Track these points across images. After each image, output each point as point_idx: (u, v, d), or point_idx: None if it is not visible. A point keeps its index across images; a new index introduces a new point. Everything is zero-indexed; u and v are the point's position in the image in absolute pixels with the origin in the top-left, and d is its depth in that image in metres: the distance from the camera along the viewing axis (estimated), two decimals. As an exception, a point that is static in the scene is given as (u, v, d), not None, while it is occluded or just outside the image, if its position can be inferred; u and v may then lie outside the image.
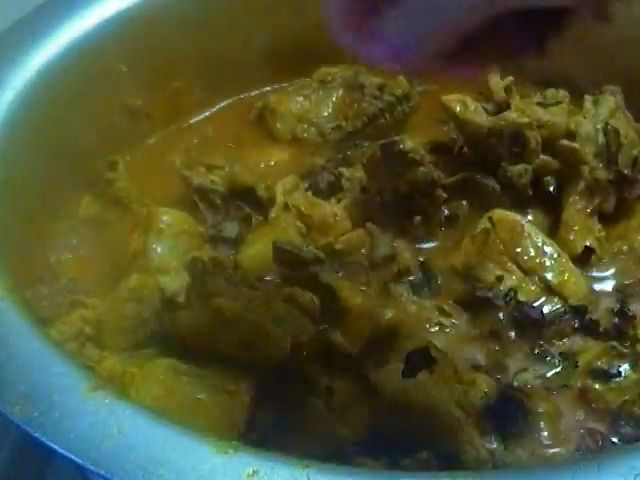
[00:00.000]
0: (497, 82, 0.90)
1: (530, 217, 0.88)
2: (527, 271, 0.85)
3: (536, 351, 0.81)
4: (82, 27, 0.98)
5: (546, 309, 0.83)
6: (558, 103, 0.91)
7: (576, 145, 0.89)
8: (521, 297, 0.83)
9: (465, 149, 0.92)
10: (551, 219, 0.90)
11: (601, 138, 0.90)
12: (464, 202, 0.91)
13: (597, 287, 0.87)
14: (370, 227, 0.87)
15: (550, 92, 0.93)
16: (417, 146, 0.88)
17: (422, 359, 0.73)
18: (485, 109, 0.89)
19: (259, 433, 0.74)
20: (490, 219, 0.87)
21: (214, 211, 0.94)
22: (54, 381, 0.64)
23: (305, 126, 1.06)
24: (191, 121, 1.11)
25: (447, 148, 0.92)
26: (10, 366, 0.66)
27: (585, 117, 0.91)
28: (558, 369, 0.80)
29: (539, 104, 0.91)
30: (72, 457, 0.60)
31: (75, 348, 0.79)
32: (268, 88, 1.14)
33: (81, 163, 0.98)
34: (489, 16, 0.55)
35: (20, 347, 0.67)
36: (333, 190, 0.92)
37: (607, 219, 0.91)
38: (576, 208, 0.89)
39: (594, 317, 0.83)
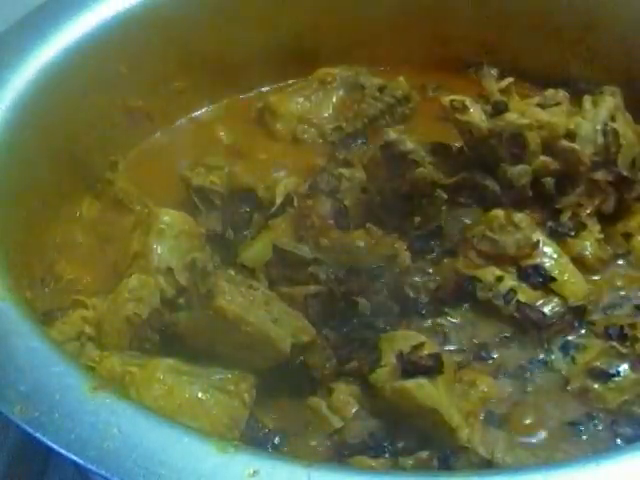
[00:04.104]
0: (492, 83, 0.91)
1: (529, 218, 0.88)
2: (527, 271, 0.85)
3: (537, 349, 0.81)
4: (82, 27, 0.98)
5: (546, 309, 0.83)
6: (557, 104, 0.91)
7: (575, 146, 0.89)
8: (521, 297, 0.83)
9: (465, 150, 0.92)
10: (550, 220, 0.90)
11: (600, 139, 0.90)
12: (463, 202, 0.91)
13: (597, 287, 0.87)
14: (370, 227, 0.87)
15: (550, 93, 0.93)
16: (417, 147, 0.88)
17: (431, 364, 0.73)
18: (485, 111, 0.89)
19: (259, 433, 0.75)
20: (489, 220, 0.87)
21: (214, 211, 0.94)
22: (54, 381, 0.64)
23: (305, 127, 1.07)
24: (191, 121, 1.11)
25: (447, 149, 0.92)
26: (10, 366, 0.66)
27: (584, 118, 0.91)
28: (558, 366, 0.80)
29: (539, 105, 0.91)
30: (72, 457, 0.60)
31: (75, 348, 0.79)
32: (268, 88, 1.14)
33: (82, 163, 0.98)
34: None
35: (20, 347, 0.67)
36: (333, 191, 0.92)
37: (606, 220, 0.91)
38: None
39: (594, 317, 0.83)
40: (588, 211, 0.90)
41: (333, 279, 0.82)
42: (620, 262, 0.90)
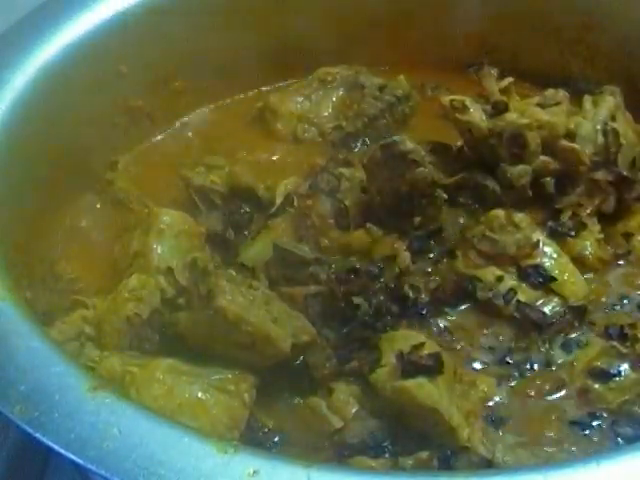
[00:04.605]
0: (492, 83, 0.91)
1: (529, 218, 0.88)
2: (527, 271, 0.85)
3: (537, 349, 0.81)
4: (82, 27, 0.98)
5: (546, 309, 0.83)
6: (557, 103, 0.91)
7: (575, 145, 0.89)
8: (521, 297, 0.83)
9: (465, 150, 0.92)
10: (551, 219, 0.90)
11: (600, 138, 0.90)
12: (463, 202, 0.91)
13: (597, 287, 0.87)
14: (370, 227, 0.87)
15: (550, 92, 0.93)
16: (417, 147, 0.88)
17: (431, 364, 0.73)
18: (485, 111, 0.89)
19: (259, 433, 0.75)
20: (489, 220, 0.87)
21: (214, 211, 0.94)
22: (54, 381, 0.64)
23: (305, 126, 1.06)
24: (191, 121, 1.11)
25: (447, 149, 0.92)
26: (10, 366, 0.66)
27: (584, 117, 0.91)
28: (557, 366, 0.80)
29: (538, 105, 0.91)
30: (72, 457, 0.60)
31: (75, 348, 0.79)
32: (268, 88, 1.14)
33: (81, 163, 0.98)
34: None
35: (20, 347, 0.67)
36: (333, 190, 0.92)
37: (607, 219, 0.91)
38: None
39: (594, 317, 0.83)
40: (588, 211, 0.90)
41: (333, 279, 0.82)
42: (620, 262, 0.90)
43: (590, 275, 0.88)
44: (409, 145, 0.87)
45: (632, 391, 0.77)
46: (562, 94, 0.93)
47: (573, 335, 0.82)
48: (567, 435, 0.75)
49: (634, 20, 1.06)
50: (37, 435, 0.61)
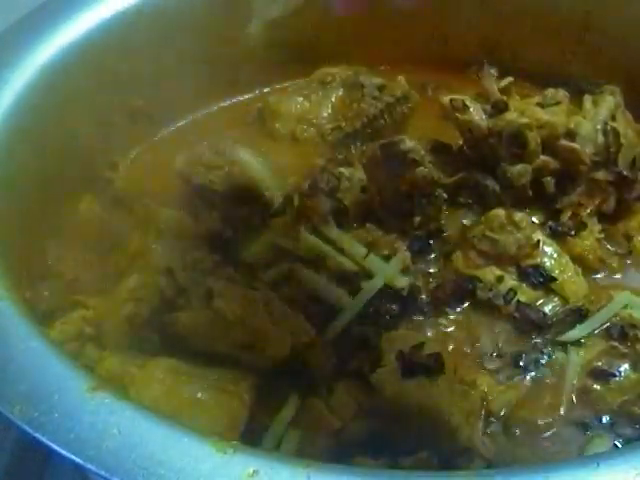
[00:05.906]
0: (492, 83, 0.91)
1: (529, 217, 0.88)
2: (527, 271, 0.85)
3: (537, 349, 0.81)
4: (82, 27, 0.98)
5: (546, 309, 0.83)
6: (558, 103, 0.91)
7: (576, 145, 0.89)
8: (521, 297, 0.83)
9: (465, 149, 0.92)
10: (551, 219, 0.90)
11: (600, 138, 0.90)
12: (463, 202, 0.91)
13: (597, 287, 0.87)
14: (370, 227, 0.87)
15: (550, 92, 0.93)
16: (417, 146, 0.88)
17: (431, 364, 0.73)
18: (485, 110, 0.89)
19: (259, 433, 0.75)
20: (489, 220, 0.87)
21: (214, 211, 0.94)
22: (54, 381, 0.64)
23: (305, 126, 1.06)
24: (191, 121, 1.11)
25: (447, 148, 0.92)
26: (10, 366, 0.65)
27: (585, 117, 0.91)
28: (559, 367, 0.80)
29: (538, 104, 0.91)
30: (72, 457, 0.60)
31: (75, 348, 0.79)
32: (268, 88, 1.14)
33: (81, 163, 0.98)
34: None
35: (20, 347, 0.67)
36: (333, 190, 0.92)
37: (607, 219, 0.91)
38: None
39: (594, 317, 0.83)
40: (588, 211, 0.90)
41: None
42: (620, 261, 0.90)
43: (590, 275, 0.88)
44: (409, 144, 0.87)
45: (632, 391, 0.77)
46: (562, 94, 0.93)
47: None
48: (567, 435, 0.75)
49: (634, 20, 1.06)
50: (37, 435, 0.61)
